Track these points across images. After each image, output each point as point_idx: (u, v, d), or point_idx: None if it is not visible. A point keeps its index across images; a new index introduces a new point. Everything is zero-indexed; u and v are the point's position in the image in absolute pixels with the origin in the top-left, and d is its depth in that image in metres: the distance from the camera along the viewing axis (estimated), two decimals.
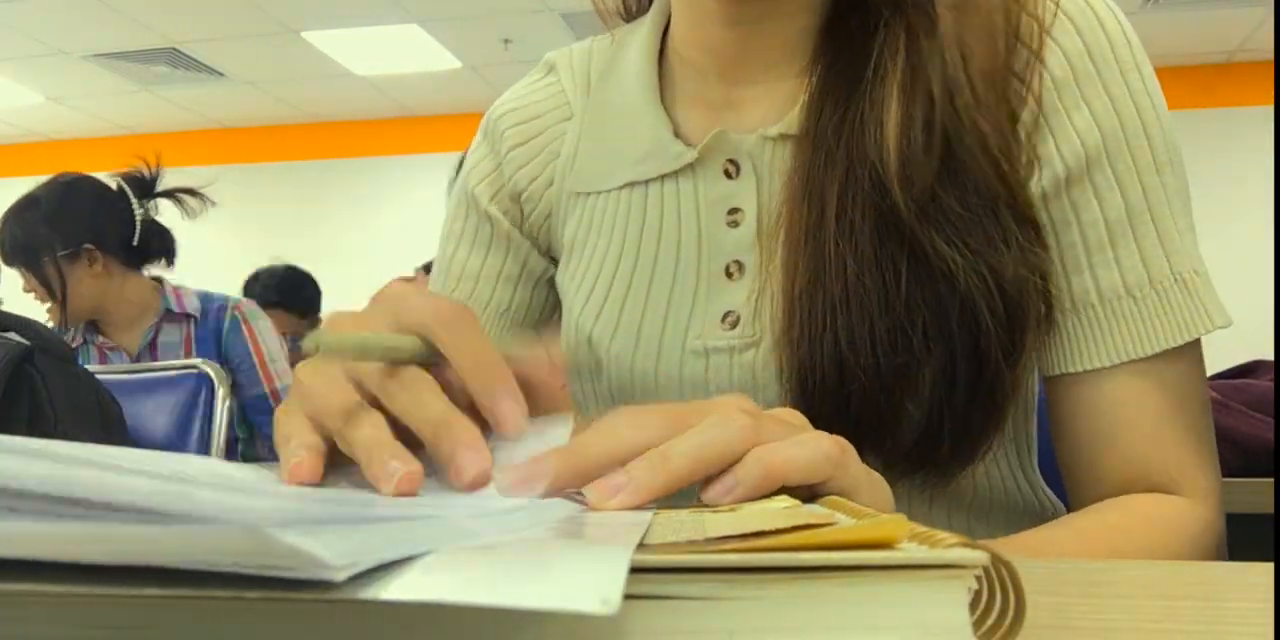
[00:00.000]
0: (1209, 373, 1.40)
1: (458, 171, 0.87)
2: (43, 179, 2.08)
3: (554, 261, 0.76)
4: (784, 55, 0.67)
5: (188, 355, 2.08)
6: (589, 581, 0.18)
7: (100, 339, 2.10)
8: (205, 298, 2.17)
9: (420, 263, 3.04)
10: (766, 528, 0.25)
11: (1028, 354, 0.59)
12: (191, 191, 2.11)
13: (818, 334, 0.59)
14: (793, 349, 0.60)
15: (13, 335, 1.16)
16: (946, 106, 0.59)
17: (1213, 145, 5.44)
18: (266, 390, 2.14)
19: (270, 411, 2.03)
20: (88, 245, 2.05)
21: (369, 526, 0.22)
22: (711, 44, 0.68)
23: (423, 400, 0.40)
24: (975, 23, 0.60)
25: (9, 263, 2.03)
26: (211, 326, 2.14)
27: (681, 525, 0.29)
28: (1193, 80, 5.62)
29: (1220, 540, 0.61)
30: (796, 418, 0.44)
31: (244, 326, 2.14)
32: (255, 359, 2.13)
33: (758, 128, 0.66)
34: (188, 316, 2.13)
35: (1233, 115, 5.63)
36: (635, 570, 0.20)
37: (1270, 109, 5.51)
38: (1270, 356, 1.38)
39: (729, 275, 0.65)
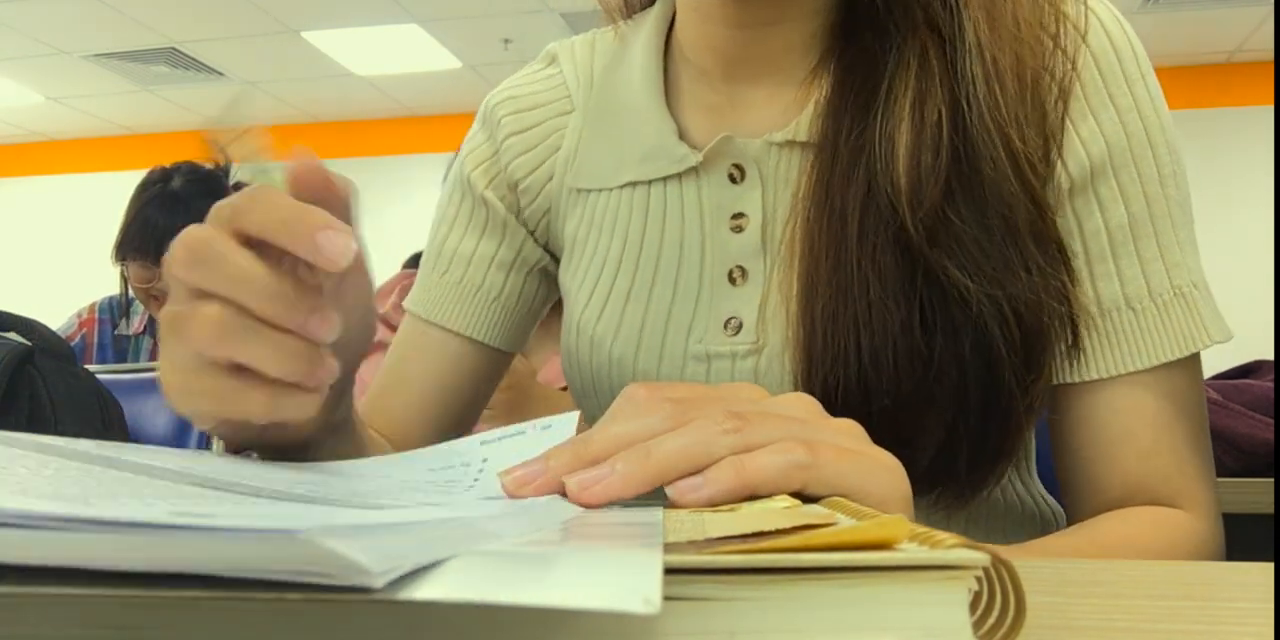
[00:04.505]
0: (1209, 372, 1.41)
1: (449, 173, 0.87)
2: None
3: (552, 255, 0.76)
4: (789, 59, 0.66)
5: None
6: (627, 581, 0.18)
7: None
8: None
9: (407, 255, 3.02)
10: (767, 528, 0.25)
11: (1046, 378, 0.59)
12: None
13: (841, 353, 0.58)
14: (812, 365, 0.59)
15: (13, 335, 1.15)
16: (965, 126, 0.58)
17: (1213, 145, 5.44)
18: None
19: None
20: None
21: (402, 530, 0.22)
22: (715, 44, 0.67)
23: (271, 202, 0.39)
24: (1004, 35, 0.59)
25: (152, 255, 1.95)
26: None
27: (681, 525, 0.29)
28: (1193, 80, 5.62)
29: (1220, 554, 0.61)
30: (803, 409, 0.43)
31: None
32: None
33: (763, 132, 0.65)
34: None
35: (1233, 115, 5.63)
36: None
37: (1270, 109, 5.51)
38: (1270, 356, 1.38)
39: (732, 280, 0.65)
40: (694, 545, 0.24)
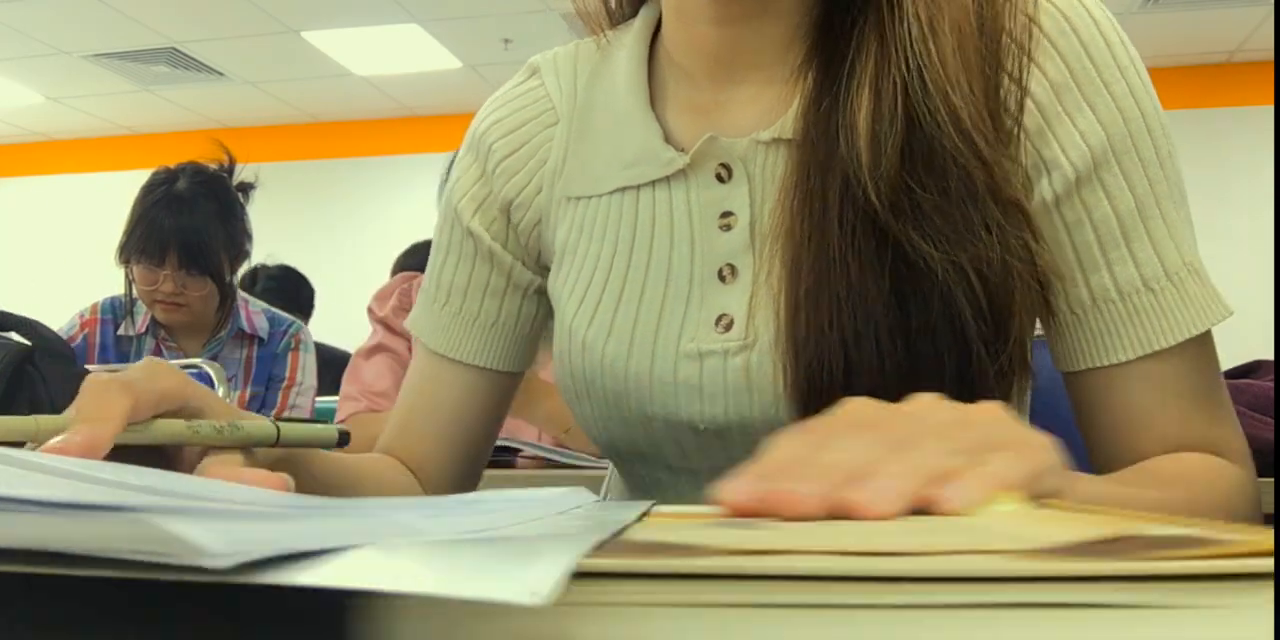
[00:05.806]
0: None
1: (448, 173, 0.86)
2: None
3: (544, 271, 0.76)
4: (774, 56, 0.67)
5: (246, 376, 2.05)
6: (526, 574, 0.18)
7: (162, 333, 2.06)
8: (273, 320, 2.13)
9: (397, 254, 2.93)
10: (1092, 537, 0.23)
11: (1015, 342, 0.60)
12: (250, 186, 2.11)
13: (823, 334, 0.59)
14: (797, 349, 0.60)
15: (13, 335, 1.16)
16: (912, 87, 0.59)
17: (1213, 145, 5.44)
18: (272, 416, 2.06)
19: None
20: (248, 248, 2.04)
21: (270, 518, 0.22)
22: (700, 44, 0.68)
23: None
24: (945, 6, 0.60)
25: (188, 268, 1.94)
26: (272, 349, 2.09)
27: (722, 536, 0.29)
28: (1193, 80, 5.62)
29: (1255, 495, 0.64)
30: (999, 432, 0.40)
31: (291, 354, 2.10)
32: (284, 383, 2.08)
33: (749, 131, 0.66)
34: (254, 337, 2.08)
35: (1233, 115, 5.63)
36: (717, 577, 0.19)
37: (1270, 109, 5.51)
38: (1270, 356, 1.38)
39: (722, 278, 0.66)
40: (1027, 553, 0.21)
